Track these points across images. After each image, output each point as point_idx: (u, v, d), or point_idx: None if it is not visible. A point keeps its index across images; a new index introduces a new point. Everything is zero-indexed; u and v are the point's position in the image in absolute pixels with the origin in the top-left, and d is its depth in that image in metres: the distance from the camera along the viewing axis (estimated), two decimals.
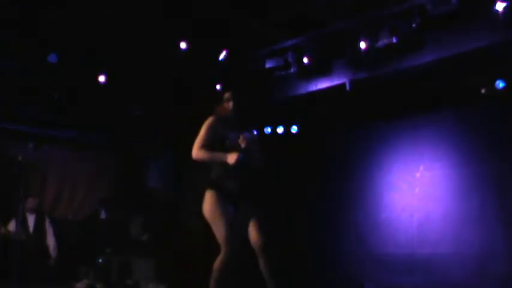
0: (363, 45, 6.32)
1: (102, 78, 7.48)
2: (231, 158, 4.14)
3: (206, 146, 4.31)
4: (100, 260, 7.89)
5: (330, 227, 8.07)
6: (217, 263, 4.07)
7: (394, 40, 6.17)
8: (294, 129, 8.37)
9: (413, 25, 6.04)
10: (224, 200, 4.23)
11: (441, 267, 6.90)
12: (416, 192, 7.38)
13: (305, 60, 6.89)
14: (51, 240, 7.61)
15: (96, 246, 8.08)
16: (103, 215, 8.59)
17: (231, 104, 4.46)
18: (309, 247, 8.17)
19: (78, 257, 7.95)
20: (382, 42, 6.23)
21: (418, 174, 7.39)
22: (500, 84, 6.48)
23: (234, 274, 4.13)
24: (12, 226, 7.30)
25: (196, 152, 4.31)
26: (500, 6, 5.40)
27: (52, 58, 7.00)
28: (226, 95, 4.52)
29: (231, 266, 4.07)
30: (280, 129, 8.48)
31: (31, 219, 7.65)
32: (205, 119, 4.50)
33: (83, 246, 8.06)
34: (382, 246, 7.50)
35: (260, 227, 4.22)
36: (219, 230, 4.10)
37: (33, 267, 7.24)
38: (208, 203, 4.26)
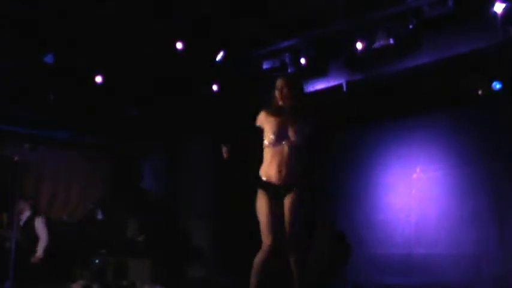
0: (359, 46, 6.33)
1: (98, 79, 7.47)
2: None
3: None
4: (96, 261, 7.87)
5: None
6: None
7: (391, 41, 6.19)
8: None
9: (410, 27, 6.06)
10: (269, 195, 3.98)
11: (437, 267, 6.92)
12: (412, 193, 7.40)
13: (302, 61, 6.89)
14: (42, 235, 7.52)
15: (92, 247, 8.05)
16: (99, 216, 8.57)
17: (284, 92, 4.03)
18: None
19: (74, 258, 7.92)
20: (379, 43, 6.25)
21: (414, 176, 7.41)
22: (496, 85, 6.50)
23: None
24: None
25: None
26: (498, 8, 5.42)
27: (48, 58, 6.98)
28: (277, 82, 4.10)
29: (266, 262, 3.92)
30: None
31: (23, 220, 7.64)
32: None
33: (78, 247, 8.03)
34: (378, 246, 7.52)
35: (293, 224, 3.94)
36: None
37: (29, 267, 7.22)
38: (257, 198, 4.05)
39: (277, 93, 4.06)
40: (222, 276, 8.10)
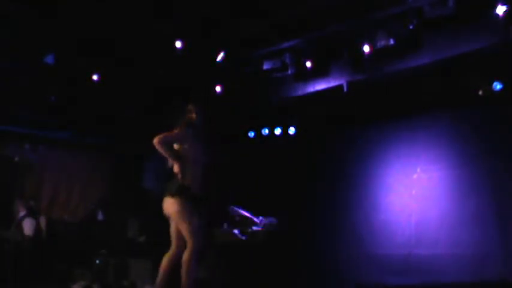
0: (365, 48, 6.33)
1: (97, 79, 7.47)
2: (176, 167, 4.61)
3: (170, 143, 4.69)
4: (97, 261, 7.87)
5: (328, 228, 8.07)
6: (186, 256, 4.66)
7: (392, 42, 6.18)
8: (292, 130, 8.38)
9: (410, 27, 6.05)
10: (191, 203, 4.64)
11: (438, 267, 6.91)
12: (413, 193, 7.39)
13: (302, 62, 6.88)
14: (27, 226, 7.50)
15: (93, 247, 8.06)
16: (100, 216, 8.57)
17: (193, 116, 4.66)
18: (307, 247, 8.17)
19: (75, 258, 7.93)
20: (380, 44, 6.24)
21: (415, 176, 7.39)
22: (497, 86, 6.49)
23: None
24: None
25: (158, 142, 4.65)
26: (500, 10, 5.41)
27: (48, 58, 6.98)
28: (189, 107, 4.69)
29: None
30: (277, 131, 8.49)
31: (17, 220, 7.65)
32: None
33: (79, 247, 8.04)
34: (379, 247, 7.51)
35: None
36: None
37: (30, 268, 7.23)
38: (178, 205, 4.70)
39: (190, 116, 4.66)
40: (222, 276, 8.10)
